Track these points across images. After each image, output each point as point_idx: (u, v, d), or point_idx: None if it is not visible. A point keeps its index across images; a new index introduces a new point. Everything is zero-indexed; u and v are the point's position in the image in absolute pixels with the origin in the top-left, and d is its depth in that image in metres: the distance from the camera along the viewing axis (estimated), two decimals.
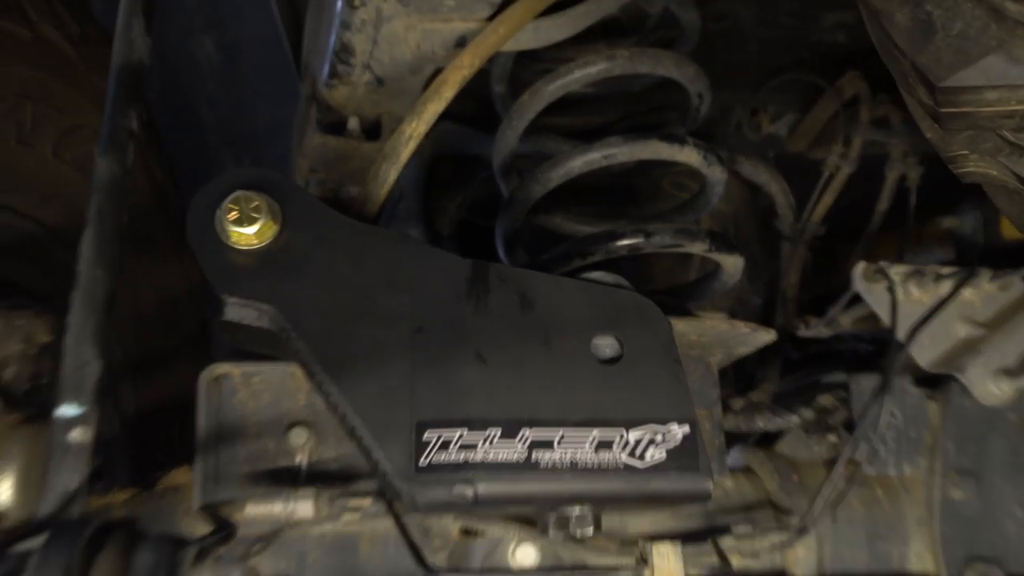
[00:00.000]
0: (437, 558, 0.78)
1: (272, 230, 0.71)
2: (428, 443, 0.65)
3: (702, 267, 1.17)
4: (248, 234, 0.70)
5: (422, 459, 0.65)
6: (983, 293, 0.91)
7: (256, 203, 0.70)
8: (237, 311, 0.70)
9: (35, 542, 0.37)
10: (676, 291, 1.02)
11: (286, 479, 0.77)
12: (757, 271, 1.24)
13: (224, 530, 0.69)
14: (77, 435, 0.40)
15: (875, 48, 1.24)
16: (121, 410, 1.26)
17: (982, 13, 0.46)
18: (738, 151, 1.25)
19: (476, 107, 1.29)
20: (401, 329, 0.69)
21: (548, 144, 1.07)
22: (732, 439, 0.96)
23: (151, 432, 1.28)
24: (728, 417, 0.91)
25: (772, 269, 1.27)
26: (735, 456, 0.96)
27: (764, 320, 1.28)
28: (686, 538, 0.73)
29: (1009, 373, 0.86)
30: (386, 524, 0.77)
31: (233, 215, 0.69)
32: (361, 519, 0.74)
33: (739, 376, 1.22)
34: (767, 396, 1.04)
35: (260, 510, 0.72)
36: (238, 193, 0.70)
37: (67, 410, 0.40)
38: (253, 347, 0.78)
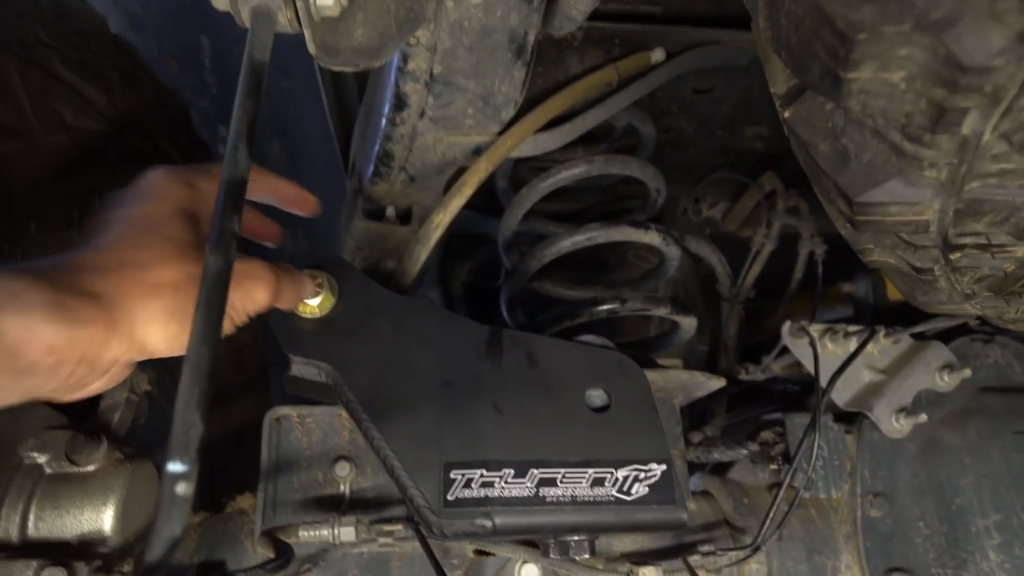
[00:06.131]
0: (455, 575, 0.74)
1: (331, 302, 0.68)
2: (454, 481, 0.61)
3: (660, 324, 1.15)
4: (312, 305, 0.67)
5: (449, 494, 0.60)
6: (880, 346, 0.90)
7: (320, 280, 0.68)
8: (301, 368, 0.68)
9: None
10: (644, 343, 0.99)
11: (331, 505, 0.73)
12: (702, 325, 1.22)
13: (284, 555, 0.64)
14: (182, 489, 0.36)
15: (784, 152, 1.25)
16: None
17: (885, 148, 0.46)
18: (685, 230, 1.25)
19: (483, 197, 1.28)
20: (431, 383, 0.66)
21: (538, 225, 1.07)
22: (692, 468, 0.92)
23: (219, 457, 1.21)
24: (689, 450, 0.87)
25: (714, 322, 1.25)
26: (695, 482, 0.92)
27: (709, 364, 1.26)
28: (659, 554, 0.69)
29: (906, 411, 0.84)
30: (413, 545, 0.73)
31: None
32: (393, 541, 0.70)
33: (692, 410, 1.19)
34: (718, 429, 1.01)
35: (311, 534, 0.68)
36: (307, 271, 0.67)
37: (175, 467, 0.36)
38: (311, 395, 0.75)
